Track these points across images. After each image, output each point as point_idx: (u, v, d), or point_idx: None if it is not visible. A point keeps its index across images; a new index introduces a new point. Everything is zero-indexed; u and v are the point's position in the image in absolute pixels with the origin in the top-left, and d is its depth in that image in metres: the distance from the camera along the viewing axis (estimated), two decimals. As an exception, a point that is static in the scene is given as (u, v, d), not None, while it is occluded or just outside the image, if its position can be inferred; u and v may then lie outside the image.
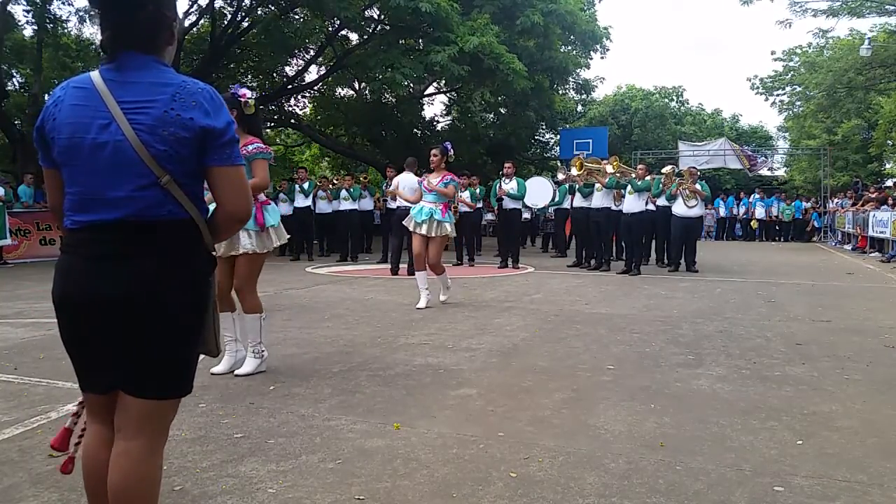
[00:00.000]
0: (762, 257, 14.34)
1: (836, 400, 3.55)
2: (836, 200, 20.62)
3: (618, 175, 10.40)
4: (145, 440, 1.66)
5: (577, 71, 23.08)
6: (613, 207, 10.55)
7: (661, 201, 11.04)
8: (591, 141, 20.98)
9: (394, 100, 22.19)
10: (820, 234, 21.75)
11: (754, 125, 37.51)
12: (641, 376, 4.03)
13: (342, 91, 24.51)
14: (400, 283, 9.06)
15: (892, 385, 3.87)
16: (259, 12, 16.61)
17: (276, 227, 4.08)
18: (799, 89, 26.61)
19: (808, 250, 17.03)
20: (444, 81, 21.03)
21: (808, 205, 22.76)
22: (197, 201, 1.66)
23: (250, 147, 3.74)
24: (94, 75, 1.62)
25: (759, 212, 22.55)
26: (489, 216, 17.41)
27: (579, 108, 32.71)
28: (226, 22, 17.61)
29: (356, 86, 23.31)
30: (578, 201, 11.08)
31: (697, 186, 10.64)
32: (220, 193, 1.67)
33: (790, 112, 28.94)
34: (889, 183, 22.32)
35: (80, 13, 17.86)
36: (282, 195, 13.39)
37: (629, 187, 10.11)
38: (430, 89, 24.16)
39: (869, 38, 19.37)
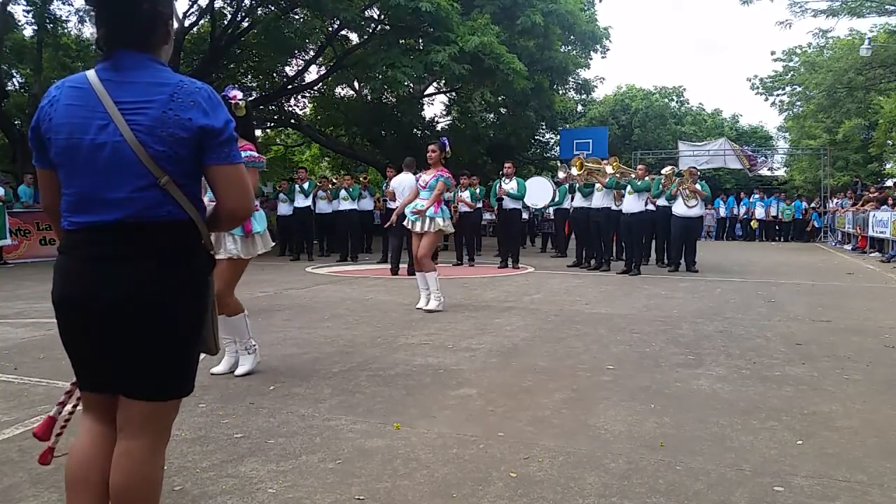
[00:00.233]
0: (762, 257, 14.34)
1: (836, 400, 3.55)
2: (836, 200, 20.62)
3: (617, 175, 10.40)
4: (148, 440, 1.65)
5: (577, 71, 23.11)
6: (613, 207, 10.55)
7: (661, 201, 11.05)
8: (591, 141, 21.00)
9: (394, 100, 22.19)
10: (820, 234, 21.75)
11: (754, 125, 37.53)
12: (641, 376, 4.03)
13: (342, 91, 24.54)
14: (400, 283, 9.06)
15: (892, 385, 3.87)
16: (259, 12, 16.61)
17: (262, 234, 4.06)
18: (799, 89, 26.63)
19: (808, 250, 17.03)
20: (444, 81, 21.03)
21: (813, 205, 22.77)
22: (196, 201, 1.66)
23: (243, 154, 3.71)
24: (91, 74, 1.60)
25: (759, 212, 22.56)
26: (487, 215, 17.37)
27: (579, 108, 32.74)
28: (226, 22, 17.61)
29: (356, 86, 23.31)
30: (578, 201, 11.08)
31: (697, 186, 10.64)
32: (221, 192, 1.67)
33: (790, 112, 28.94)
34: (889, 183, 22.32)
35: (80, 13, 17.87)
36: (282, 195, 13.41)
37: (629, 187, 10.12)
38: (430, 89, 24.18)
39: (869, 38, 19.38)
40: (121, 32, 1.60)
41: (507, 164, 11.62)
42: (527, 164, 27.38)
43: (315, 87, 22.10)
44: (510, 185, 11.25)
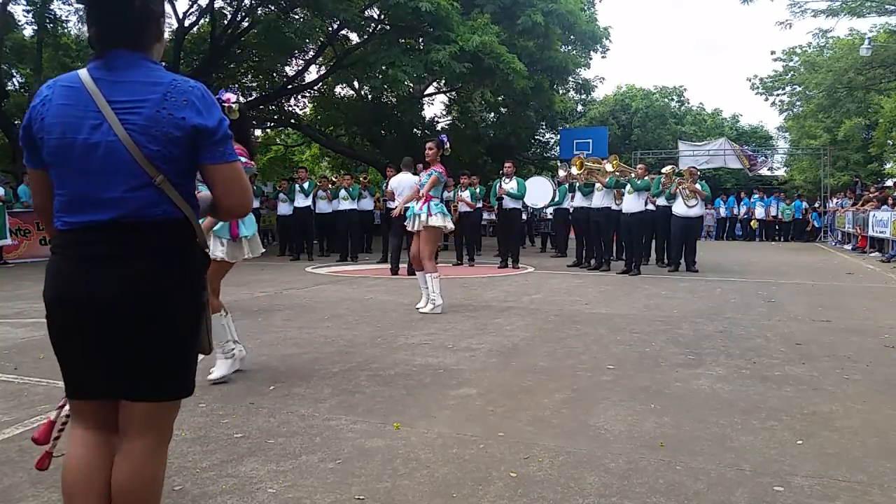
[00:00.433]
0: (762, 257, 14.34)
1: (836, 400, 3.55)
2: (836, 200, 20.62)
3: (617, 174, 10.40)
4: (149, 441, 1.65)
5: (577, 71, 23.10)
6: (613, 207, 10.56)
7: (661, 201, 11.05)
8: (591, 141, 21.02)
9: (394, 100, 22.19)
10: (820, 234, 21.75)
11: (754, 125, 37.54)
12: (641, 376, 4.03)
13: (342, 91, 24.54)
14: (400, 283, 9.06)
15: (892, 385, 3.87)
16: (259, 12, 16.61)
17: (249, 238, 3.94)
18: (799, 89, 26.63)
19: (808, 250, 17.03)
20: (444, 81, 21.03)
21: (815, 205, 22.76)
22: (190, 199, 1.66)
23: None
24: (83, 73, 1.60)
25: (759, 212, 22.56)
26: (487, 215, 17.37)
27: (579, 107, 32.75)
28: (226, 22, 17.61)
29: (356, 86, 23.32)
30: (579, 201, 11.08)
31: (697, 186, 10.64)
32: (219, 191, 1.67)
33: (790, 112, 28.94)
34: (889, 183, 22.31)
35: (80, 13, 17.86)
36: (282, 195, 13.41)
37: (629, 187, 10.12)
38: (430, 89, 24.19)
39: (869, 38, 19.37)
40: (113, 31, 1.59)
41: (507, 164, 11.62)
42: (527, 164, 27.39)
43: (315, 87, 22.10)
44: (510, 185, 11.25)
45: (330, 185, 13.42)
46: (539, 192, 13.44)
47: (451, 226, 6.84)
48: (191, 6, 17.44)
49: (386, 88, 18.99)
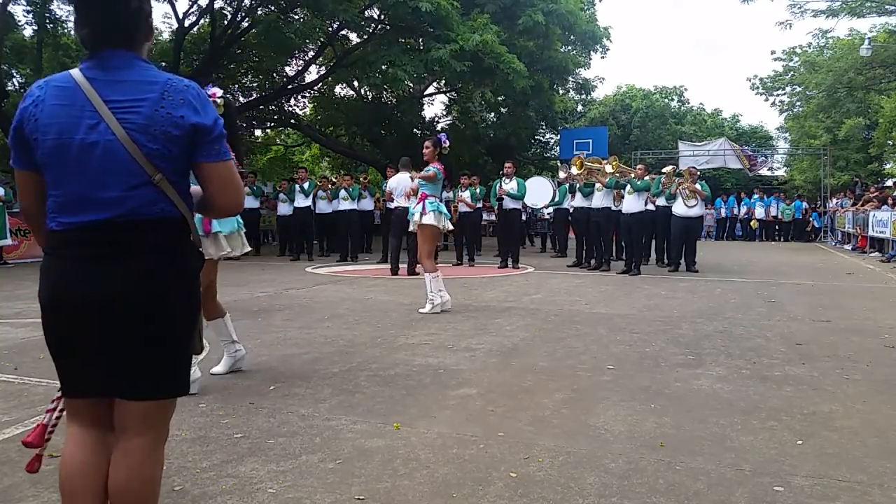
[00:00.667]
0: (762, 257, 14.34)
1: (836, 400, 3.55)
2: (836, 200, 20.62)
3: (617, 175, 10.40)
4: (146, 439, 1.65)
5: (577, 71, 23.10)
6: (613, 207, 10.56)
7: (661, 201, 11.05)
8: (591, 141, 21.02)
9: (394, 100, 22.19)
10: (820, 234, 21.75)
11: (754, 125, 37.55)
12: (641, 376, 4.03)
13: (342, 91, 24.54)
14: (400, 283, 9.06)
15: (892, 385, 3.87)
16: (259, 12, 16.61)
17: (227, 234, 3.79)
18: (799, 89, 26.61)
19: (808, 250, 17.03)
20: (444, 81, 21.03)
21: (816, 206, 22.77)
22: (186, 198, 1.66)
23: None
24: (76, 73, 1.60)
25: (759, 212, 22.56)
26: (487, 215, 17.36)
27: (579, 108, 32.76)
28: (226, 22, 17.61)
29: (356, 86, 23.32)
30: (579, 201, 11.09)
31: (697, 186, 10.65)
32: (212, 189, 1.67)
33: (790, 112, 28.94)
34: (889, 183, 22.32)
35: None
36: (282, 195, 13.42)
37: (628, 187, 10.12)
38: (431, 89, 24.19)
39: (869, 38, 19.36)
40: (108, 31, 1.59)
41: (507, 164, 11.61)
42: (527, 164, 27.39)
43: (315, 87, 22.11)
44: (510, 185, 11.25)
45: (330, 186, 13.43)
46: (539, 192, 13.44)
47: (449, 225, 6.80)
48: (191, 6, 17.44)
49: (386, 88, 19.00)
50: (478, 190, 12.73)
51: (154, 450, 1.68)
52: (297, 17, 17.11)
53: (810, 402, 3.50)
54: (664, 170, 11.58)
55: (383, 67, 15.78)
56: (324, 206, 13.19)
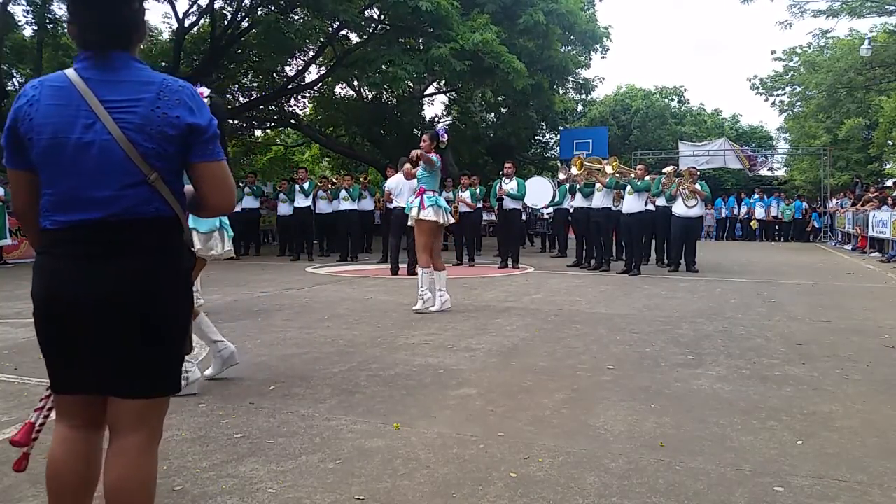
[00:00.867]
0: (762, 257, 14.34)
1: (836, 400, 3.55)
2: (836, 200, 20.62)
3: (617, 175, 10.40)
4: (140, 438, 1.65)
5: (577, 71, 23.09)
6: (613, 207, 10.56)
7: (661, 201, 11.05)
8: (591, 141, 21.03)
9: (394, 100, 22.18)
10: (820, 234, 21.75)
11: (754, 125, 37.57)
12: (641, 376, 4.03)
13: (342, 91, 24.53)
14: (400, 283, 9.06)
15: (892, 385, 3.87)
16: (259, 12, 16.61)
17: (204, 233, 3.62)
18: (799, 89, 26.61)
19: (808, 250, 17.03)
20: (444, 81, 21.02)
21: (815, 206, 22.77)
22: (180, 198, 1.67)
23: None
24: (71, 73, 1.60)
25: (759, 212, 22.56)
26: (485, 215, 17.33)
27: (579, 108, 32.71)
28: (226, 22, 17.60)
29: (356, 86, 23.32)
30: (579, 201, 11.09)
31: (697, 186, 10.65)
32: (205, 189, 1.69)
33: (790, 112, 28.94)
34: (889, 183, 22.32)
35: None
36: (282, 195, 13.41)
37: (628, 187, 10.12)
38: (430, 89, 24.18)
39: (869, 38, 19.37)
40: (106, 32, 1.60)
41: (507, 164, 11.62)
42: (527, 164, 27.39)
43: (315, 87, 22.10)
44: (510, 185, 11.25)
45: (330, 186, 13.43)
46: (539, 192, 13.44)
47: (450, 218, 6.73)
48: (191, 6, 17.44)
49: (386, 88, 18.98)
50: (478, 190, 12.74)
51: (148, 448, 1.68)
52: (296, 17, 17.11)
53: (810, 402, 3.50)
54: (664, 170, 11.57)
55: (383, 67, 15.76)
56: (324, 206, 13.19)
